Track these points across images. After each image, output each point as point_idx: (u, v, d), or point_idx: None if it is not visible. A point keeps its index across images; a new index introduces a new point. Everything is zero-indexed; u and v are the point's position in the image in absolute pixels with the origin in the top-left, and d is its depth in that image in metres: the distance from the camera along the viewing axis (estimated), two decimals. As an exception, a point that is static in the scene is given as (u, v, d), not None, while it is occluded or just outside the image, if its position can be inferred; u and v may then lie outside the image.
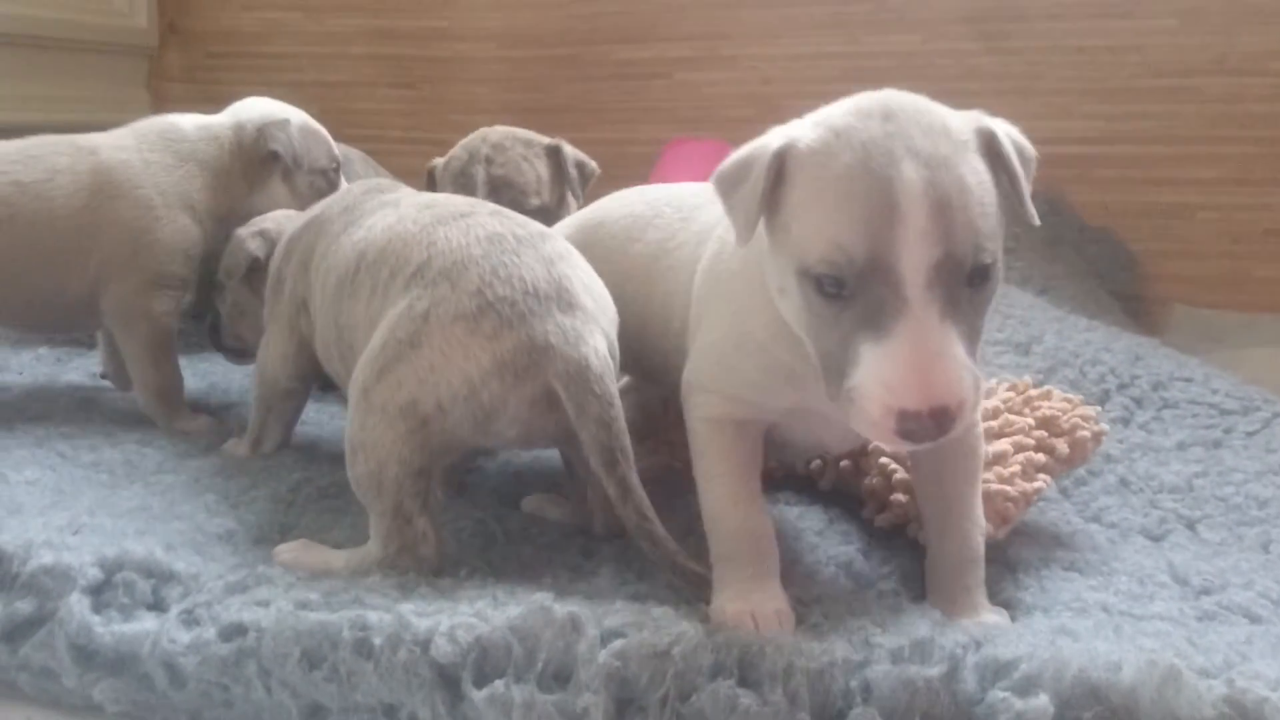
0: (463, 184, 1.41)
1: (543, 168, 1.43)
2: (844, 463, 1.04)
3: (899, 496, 0.96)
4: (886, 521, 0.97)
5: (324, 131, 1.45)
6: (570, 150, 1.46)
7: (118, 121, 2.76)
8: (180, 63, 2.83)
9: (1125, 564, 0.94)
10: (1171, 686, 0.65)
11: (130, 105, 2.84)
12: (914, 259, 0.67)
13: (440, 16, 2.56)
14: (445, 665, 0.73)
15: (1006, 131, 0.76)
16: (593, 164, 1.49)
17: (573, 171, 1.44)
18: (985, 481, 0.93)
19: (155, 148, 1.33)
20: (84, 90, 2.69)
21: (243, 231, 1.29)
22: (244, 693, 0.76)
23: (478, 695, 0.71)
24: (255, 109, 1.41)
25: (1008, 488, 0.93)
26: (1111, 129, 2.19)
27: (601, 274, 1.00)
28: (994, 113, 2.39)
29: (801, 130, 0.74)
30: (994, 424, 0.99)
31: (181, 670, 0.77)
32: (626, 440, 0.85)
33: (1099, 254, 2.08)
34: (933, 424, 0.67)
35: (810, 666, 0.70)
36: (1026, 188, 0.75)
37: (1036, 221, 0.77)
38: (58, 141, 1.32)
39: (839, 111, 0.74)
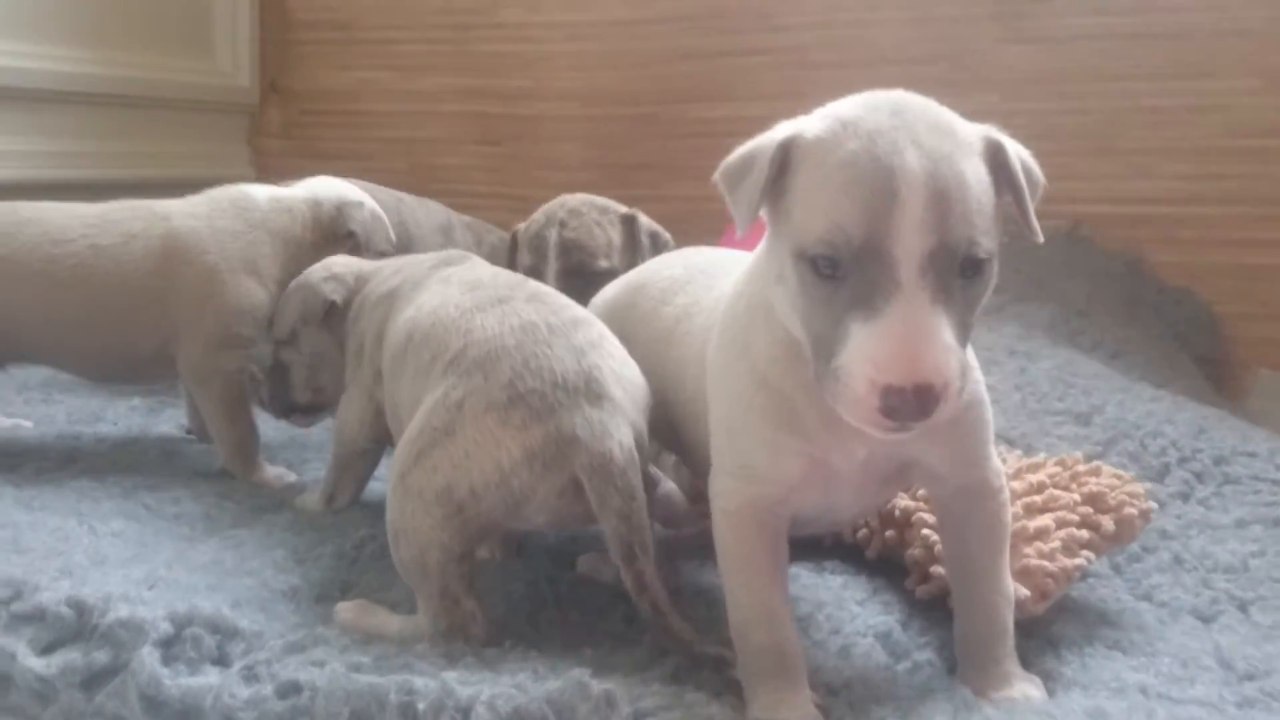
0: (537, 246, 1.46)
1: (615, 234, 1.48)
2: (889, 533, 1.06)
3: (939, 569, 0.97)
4: (927, 593, 0.98)
5: (384, 216, 1.52)
6: (645, 220, 1.51)
7: (220, 176, 2.93)
8: (279, 119, 2.96)
9: (1170, 645, 0.94)
10: (1189, 781, 0.65)
11: (232, 160, 2.99)
12: (910, 245, 0.70)
13: (525, 76, 2.64)
14: (484, 732, 0.76)
15: (1016, 150, 0.78)
16: (666, 235, 1.53)
17: (645, 240, 1.48)
18: (1025, 557, 0.94)
19: (226, 215, 1.40)
20: (190, 146, 2.83)
21: (314, 276, 1.30)
22: (297, 749, 0.81)
23: (513, 763, 0.75)
24: (332, 189, 1.48)
25: (1047, 563, 0.94)
26: (1193, 189, 2.16)
27: (639, 335, 1.04)
28: (1074, 173, 2.39)
29: (808, 123, 0.77)
30: (1038, 499, 0.99)
31: (241, 725, 0.81)
32: (647, 534, 0.87)
33: (1180, 316, 2.05)
34: (916, 402, 0.69)
35: (829, 750, 0.72)
36: (1031, 204, 0.78)
37: (1040, 237, 0.79)
38: (135, 207, 1.40)
39: (848, 105, 0.77)
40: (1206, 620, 1.01)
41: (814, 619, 0.97)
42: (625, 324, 1.11)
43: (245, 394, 1.39)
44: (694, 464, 1.03)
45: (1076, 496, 1.00)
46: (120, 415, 1.60)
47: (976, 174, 0.74)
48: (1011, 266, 1.93)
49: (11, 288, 1.33)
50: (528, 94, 2.64)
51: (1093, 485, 1.02)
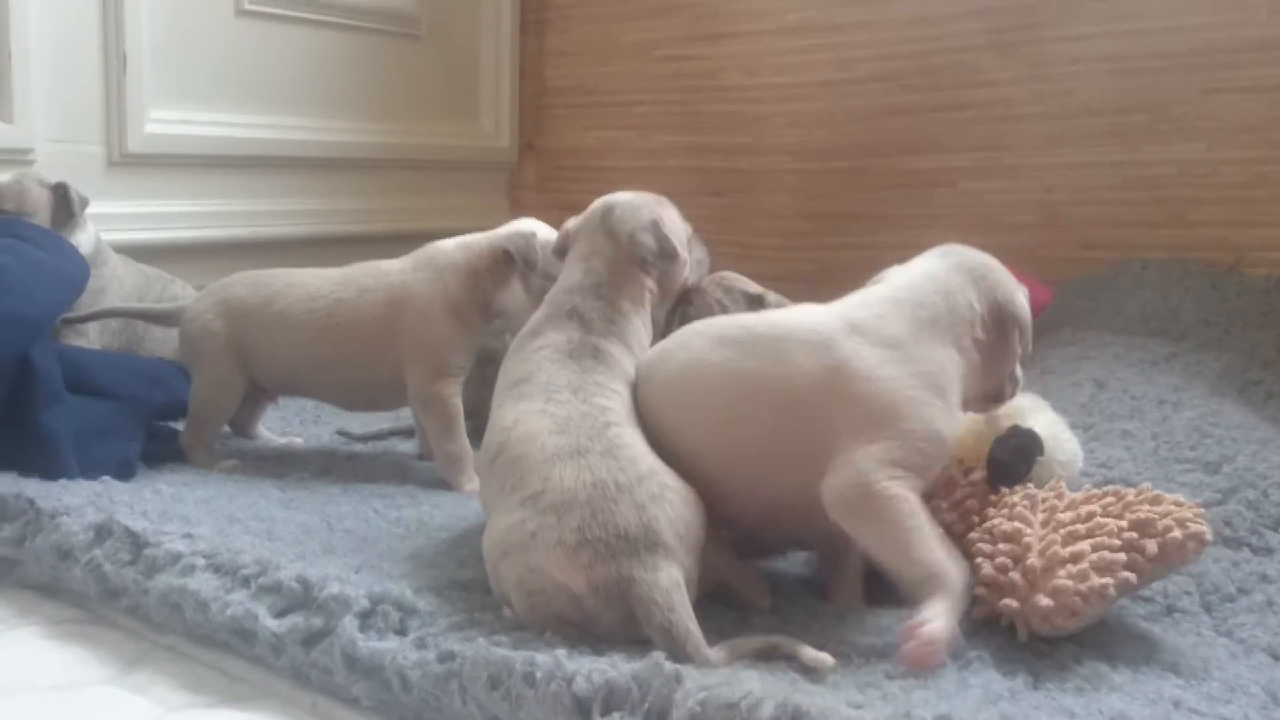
0: (665, 315, 1.57)
1: (735, 311, 1.60)
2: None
3: (980, 590, 1.10)
4: (980, 614, 1.11)
5: None
6: (774, 300, 1.62)
7: (483, 227, 3.31)
8: (534, 174, 3.30)
9: (1225, 673, 1.02)
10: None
11: (493, 212, 3.33)
12: None
13: (745, 134, 2.84)
14: (582, 698, 0.95)
15: None
16: None
17: None
18: (1057, 577, 1.05)
19: (422, 267, 1.68)
20: (457, 201, 3.20)
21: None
22: (449, 702, 1.01)
23: (600, 722, 0.94)
24: (514, 225, 1.73)
25: (1074, 584, 1.03)
26: None
27: None
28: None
29: None
30: (1082, 528, 1.09)
31: (409, 680, 1.03)
32: (688, 641, 1.02)
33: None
34: None
35: (843, 725, 0.87)
36: None
37: None
38: (367, 267, 1.71)
39: None
40: (1278, 658, 1.06)
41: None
42: None
43: (460, 415, 1.66)
44: None
45: (1123, 523, 1.08)
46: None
47: None
48: (1201, 317, 1.96)
49: (283, 335, 1.67)
50: (747, 150, 2.84)
51: (1143, 512, 1.08)
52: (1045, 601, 1.02)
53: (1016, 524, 1.11)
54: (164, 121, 2.43)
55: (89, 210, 2.01)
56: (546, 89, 3.23)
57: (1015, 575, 1.07)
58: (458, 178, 3.19)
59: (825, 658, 1.02)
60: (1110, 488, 1.16)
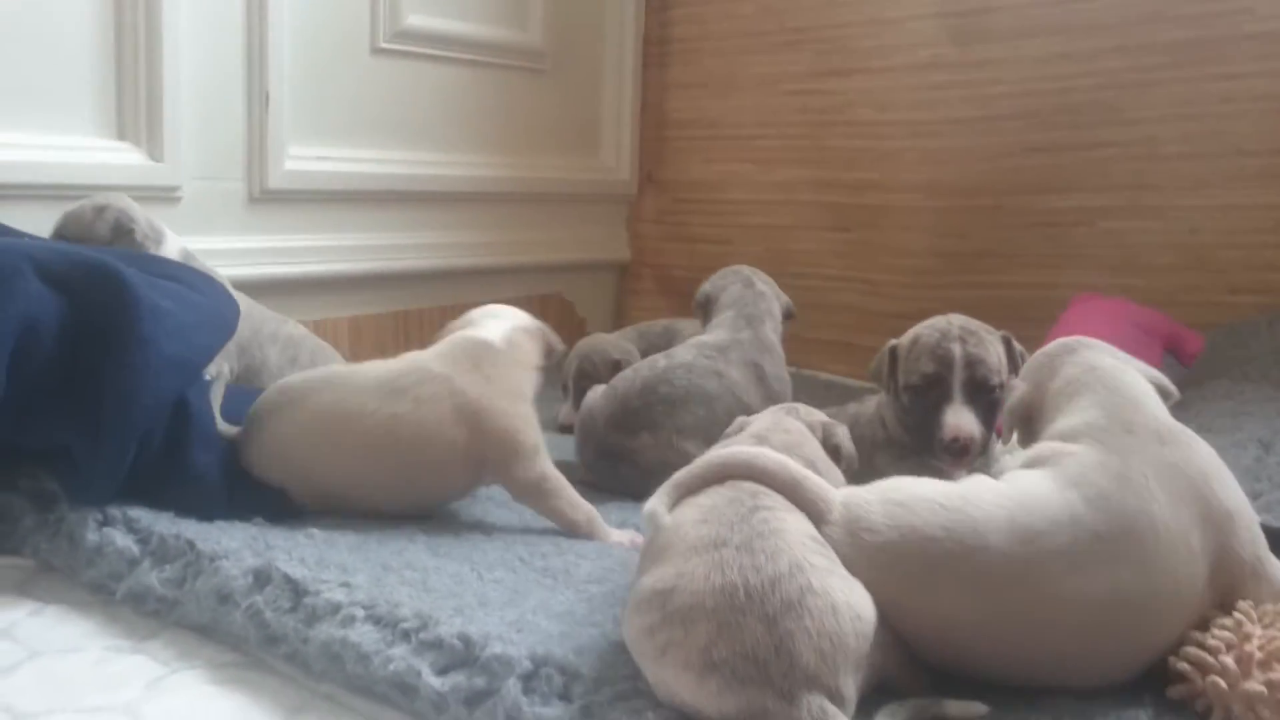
0: (940, 356, 1.60)
1: (1000, 352, 1.62)
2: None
3: (1184, 665, 1.06)
4: (1178, 694, 1.07)
5: None
6: (1015, 342, 1.65)
7: (603, 258, 3.31)
8: (653, 206, 3.30)
9: None
10: None
11: (612, 244, 3.35)
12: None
13: (874, 170, 2.81)
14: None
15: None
16: (1028, 355, 1.63)
17: (1019, 359, 1.61)
18: (1275, 670, 1.00)
19: (481, 366, 1.62)
20: (578, 232, 3.22)
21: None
22: (618, 775, 1.02)
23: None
24: (496, 312, 1.75)
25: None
26: None
27: None
28: None
29: None
30: None
31: (574, 747, 1.04)
32: None
33: None
34: None
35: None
36: None
37: None
38: (412, 373, 1.60)
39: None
40: None
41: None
42: None
43: (566, 483, 1.63)
44: None
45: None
46: (508, 478, 1.92)
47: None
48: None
49: (323, 452, 1.60)
50: (876, 185, 2.81)
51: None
52: (1257, 687, 0.98)
53: (1238, 616, 1.06)
54: (301, 158, 2.49)
55: (232, 244, 2.05)
56: (668, 121, 3.23)
57: (1228, 659, 1.02)
58: (578, 210, 3.21)
59: (977, 706, 1.00)
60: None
